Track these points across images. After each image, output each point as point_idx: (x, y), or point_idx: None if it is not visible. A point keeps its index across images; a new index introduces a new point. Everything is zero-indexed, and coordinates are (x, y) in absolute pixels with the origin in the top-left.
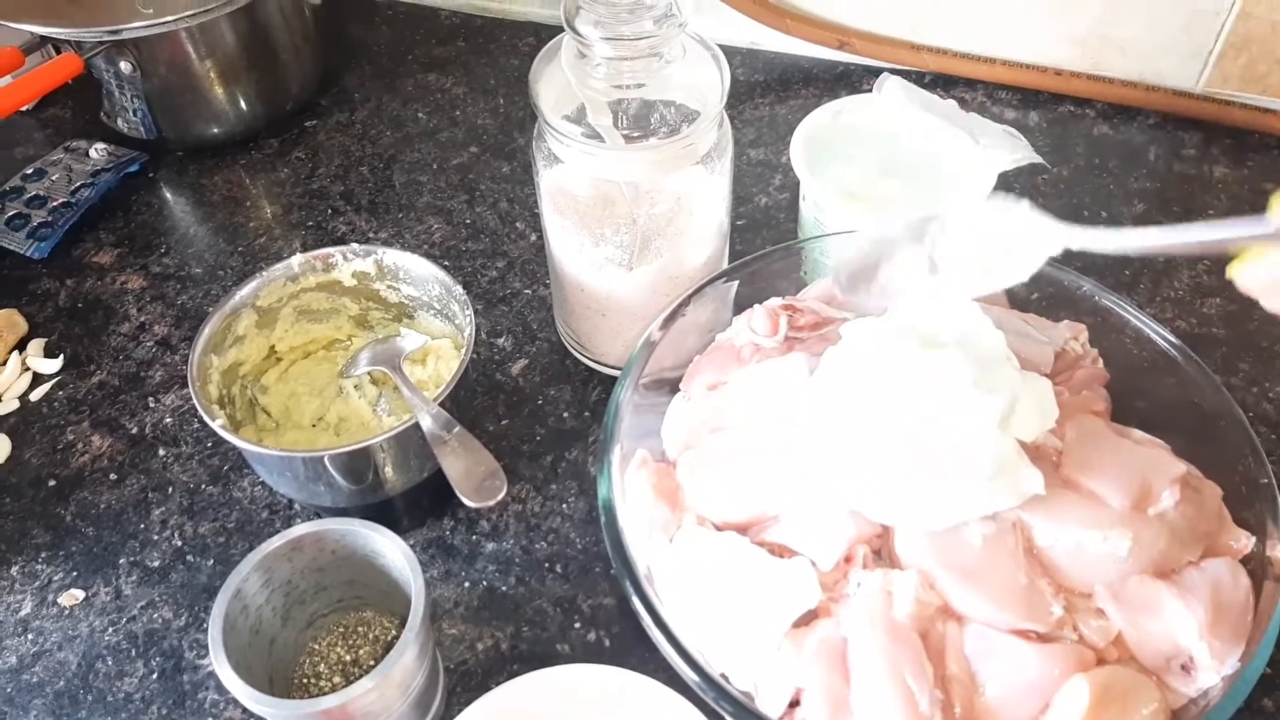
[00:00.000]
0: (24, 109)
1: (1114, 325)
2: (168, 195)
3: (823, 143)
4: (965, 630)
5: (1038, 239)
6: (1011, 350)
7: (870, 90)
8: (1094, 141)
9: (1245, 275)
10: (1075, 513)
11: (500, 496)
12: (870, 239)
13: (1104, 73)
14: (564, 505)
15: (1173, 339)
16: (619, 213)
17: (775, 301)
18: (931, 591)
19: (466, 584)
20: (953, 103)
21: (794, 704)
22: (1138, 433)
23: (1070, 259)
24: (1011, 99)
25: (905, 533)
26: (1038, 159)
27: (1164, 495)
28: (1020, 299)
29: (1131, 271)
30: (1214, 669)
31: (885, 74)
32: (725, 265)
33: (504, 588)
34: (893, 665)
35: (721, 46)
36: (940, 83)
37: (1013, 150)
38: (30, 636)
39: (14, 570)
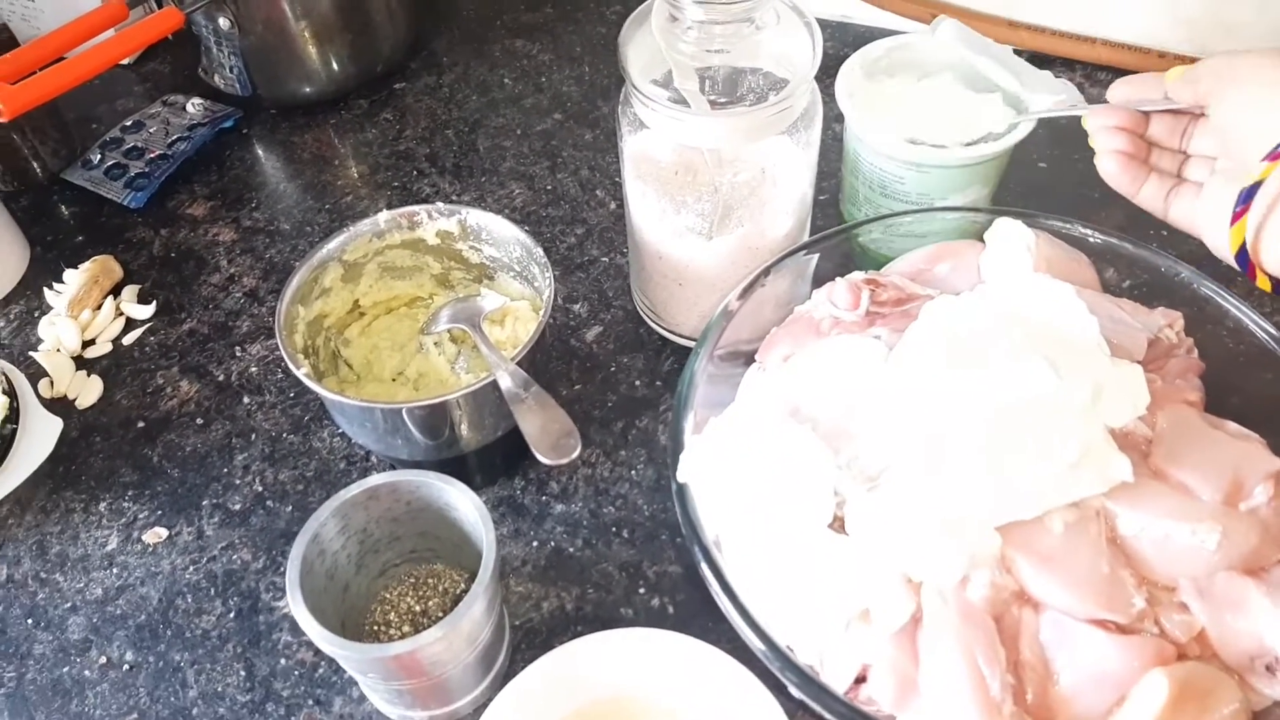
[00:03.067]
0: (125, 62)
1: (1211, 316)
2: (260, 152)
3: (870, 79)
4: (1041, 617)
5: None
6: (1103, 336)
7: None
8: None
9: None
10: (1163, 503)
11: (574, 455)
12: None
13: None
14: (632, 472)
15: (1274, 331)
16: (701, 180)
17: (858, 275)
18: (1008, 575)
19: (535, 543)
20: (1007, 48)
21: (860, 680)
22: (1232, 425)
23: (1165, 246)
24: (1110, 80)
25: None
26: (1084, 109)
27: (1257, 491)
28: (1111, 285)
29: (1228, 264)
30: None
31: (942, 16)
32: (806, 239)
33: (571, 549)
34: (965, 647)
35: (814, 17)
36: (1037, 61)
37: (1055, 94)
38: (115, 571)
39: (102, 506)
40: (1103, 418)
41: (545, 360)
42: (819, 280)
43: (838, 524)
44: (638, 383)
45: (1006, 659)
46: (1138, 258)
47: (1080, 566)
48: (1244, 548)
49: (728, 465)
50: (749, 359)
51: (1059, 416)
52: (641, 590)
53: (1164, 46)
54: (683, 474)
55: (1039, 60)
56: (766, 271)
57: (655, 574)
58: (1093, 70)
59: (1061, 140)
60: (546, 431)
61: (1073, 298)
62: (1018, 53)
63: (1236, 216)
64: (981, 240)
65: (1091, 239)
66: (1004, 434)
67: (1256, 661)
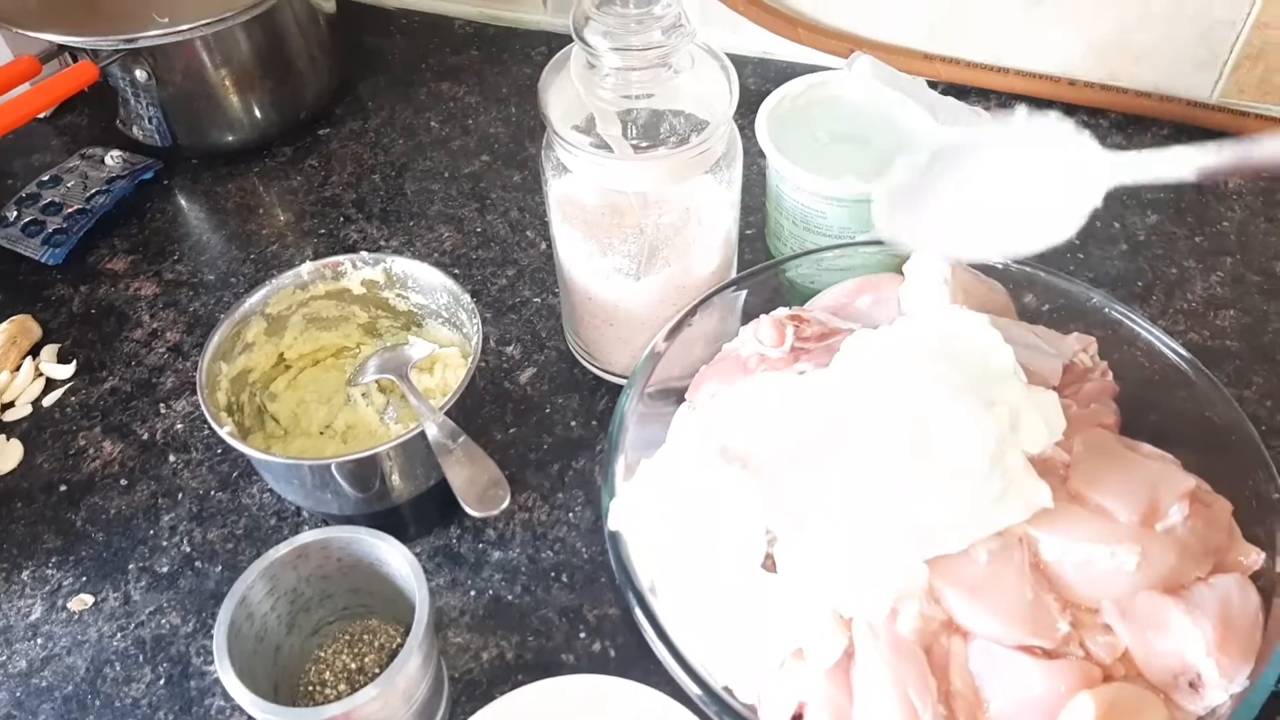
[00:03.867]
0: (41, 116)
1: (1124, 338)
2: (182, 202)
3: (789, 116)
4: (970, 646)
5: (1084, 171)
6: (1019, 363)
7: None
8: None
9: None
10: (1083, 527)
11: (503, 506)
12: (910, 165)
13: (1118, 83)
14: (570, 514)
15: (1184, 352)
16: (627, 222)
17: (782, 311)
18: (936, 606)
19: (473, 592)
20: (922, 81)
21: (796, 717)
22: (1147, 447)
23: (1082, 269)
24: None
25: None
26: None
27: (1173, 510)
28: (1029, 310)
29: (1144, 283)
30: (1222, 687)
31: (858, 52)
32: (734, 275)
33: (510, 597)
34: (896, 680)
35: (732, 56)
36: (953, 93)
37: (968, 121)
38: (39, 641)
39: (24, 575)
40: (1021, 445)
41: (478, 405)
42: (748, 316)
43: (770, 562)
44: (573, 423)
45: (938, 689)
46: (1051, 284)
47: (1006, 594)
48: (1162, 567)
49: (659, 509)
50: (680, 397)
51: (979, 447)
52: (582, 635)
53: (1075, 74)
54: (614, 522)
55: (955, 91)
56: (693, 311)
57: (596, 618)
58: (1007, 99)
59: None
60: (474, 482)
61: (987, 328)
62: (932, 85)
63: None
64: (901, 273)
65: (1005, 267)
66: (926, 467)
67: (1180, 679)
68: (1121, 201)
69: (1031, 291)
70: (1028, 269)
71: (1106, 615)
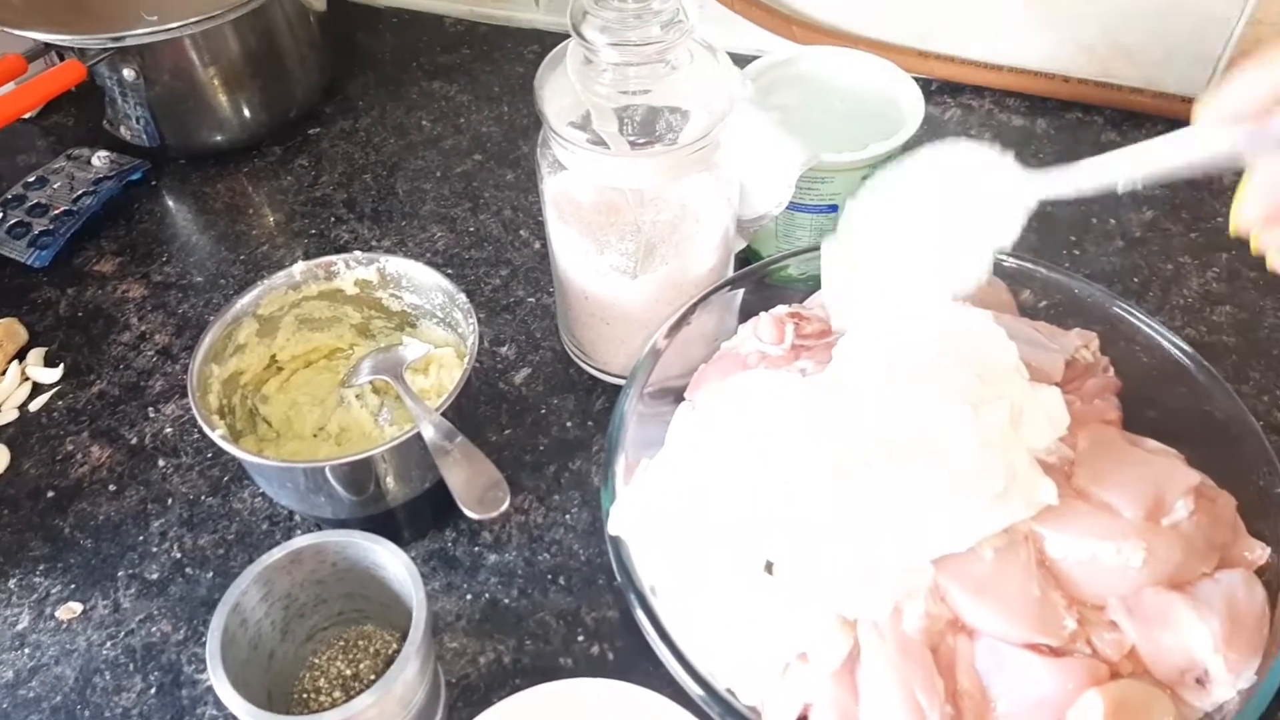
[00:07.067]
0: (27, 116)
1: (1124, 333)
2: (170, 203)
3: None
4: (976, 644)
5: (1010, 191)
6: (1022, 360)
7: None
8: (1102, 148)
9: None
10: (1088, 524)
11: (503, 508)
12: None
13: (1112, 80)
14: (567, 516)
15: (1185, 347)
16: (623, 220)
17: (782, 309)
18: (942, 605)
19: (469, 596)
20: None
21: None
22: (1151, 442)
23: (1078, 265)
24: (1019, 106)
25: None
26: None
27: (1178, 506)
28: (1027, 307)
29: (1140, 280)
30: (1229, 682)
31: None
32: (730, 274)
33: (506, 600)
34: (903, 680)
35: (727, 54)
36: (947, 90)
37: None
38: (27, 651)
39: (11, 583)
40: (1025, 442)
41: (473, 406)
42: (745, 314)
43: (771, 565)
44: (569, 424)
45: (945, 689)
46: (1050, 280)
47: (1012, 592)
48: (1168, 564)
49: (660, 511)
50: (678, 396)
51: (982, 445)
52: (581, 638)
53: (1067, 71)
54: (615, 526)
55: (949, 89)
56: (693, 309)
57: (594, 620)
58: (1001, 96)
59: None
60: (473, 484)
61: (990, 324)
62: (926, 83)
63: None
64: None
65: (1007, 263)
66: (927, 466)
67: (1186, 675)
68: (1117, 199)
69: (1029, 287)
70: (1028, 265)
71: (1113, 612)
